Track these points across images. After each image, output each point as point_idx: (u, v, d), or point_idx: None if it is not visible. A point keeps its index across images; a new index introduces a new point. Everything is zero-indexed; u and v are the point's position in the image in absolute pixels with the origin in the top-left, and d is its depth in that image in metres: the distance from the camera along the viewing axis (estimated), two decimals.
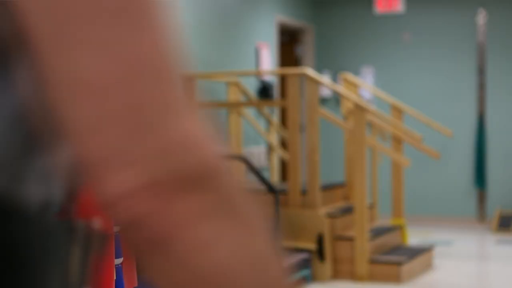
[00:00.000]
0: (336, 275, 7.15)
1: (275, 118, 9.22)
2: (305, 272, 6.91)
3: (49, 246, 0.67)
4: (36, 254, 0.66)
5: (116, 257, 2.36)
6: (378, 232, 7.49)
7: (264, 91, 9.34)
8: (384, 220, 9.18)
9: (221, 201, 0.63)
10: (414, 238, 9.44)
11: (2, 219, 0.64)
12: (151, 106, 0.60)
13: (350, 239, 7.12)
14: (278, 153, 8.66)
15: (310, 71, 7.17)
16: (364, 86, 8.60)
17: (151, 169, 0.60)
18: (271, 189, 6.31)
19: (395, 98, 11.20)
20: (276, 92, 9.73)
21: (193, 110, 0.62)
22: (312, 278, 7.02)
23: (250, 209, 0.65)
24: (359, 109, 6.99)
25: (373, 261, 7.06)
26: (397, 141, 8.22)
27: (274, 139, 8.72)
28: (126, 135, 0.59)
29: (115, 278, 2.34)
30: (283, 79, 10.35)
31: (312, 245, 7.03)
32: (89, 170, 0.61)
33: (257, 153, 9.12)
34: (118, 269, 2.38)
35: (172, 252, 0.62)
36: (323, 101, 11.43)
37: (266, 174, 8.57)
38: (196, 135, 0.61)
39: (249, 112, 8.66)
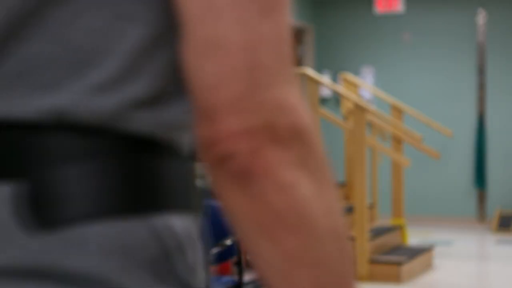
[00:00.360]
0: None
1: None
2: None
3: (192, 187, 0.85)
4: (183, 190, 0.83)
5: None
6: (378, 232, 7.49)
7: None
8: (384, 220, 9.20)
9: (307, 155, 0.76)
10: (414, 238, 9.45)
11: (170, 155, 0.82)
12: (267, 71, 0.75)
13: (350, 239, 7.10)
14: None
15: (310, 71, 7.17)
16: (364, 86, 8.60)
17: (257, 118, 0.75)
18: None
19: (395, 98, 11.21)
20: None
21: (296, 83, 0.78)
22: None
23: (327, 167, 0.79)
24: (359, 109, 6.99)
25: (373, 261, 7.06)
26: (397, 141, 8.22)
27: None
28: (242, 89, 0.75)
29: None
30: None
31: None
32: (205, 115, 0.76)
33: None
34: None
35: (255, 189, 0.75)
36: (323, 101, 11.43)
37: None
38: (296, 100, 0.76)
39: None
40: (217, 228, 3.87)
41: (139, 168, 0.79)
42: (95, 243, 0.76)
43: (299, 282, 0.77)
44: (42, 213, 0.76)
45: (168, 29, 0.80)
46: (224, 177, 0.76)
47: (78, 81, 0.77)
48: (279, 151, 0.75)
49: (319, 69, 11.53)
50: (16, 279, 0.75)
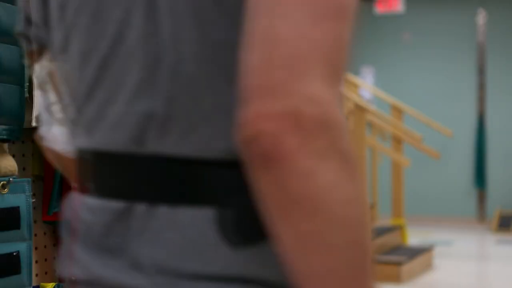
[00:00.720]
0: None
1: None
2: None
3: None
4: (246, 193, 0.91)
5: None
6: (378, 232, 7.49)
7: None
8: (384, 220, 9.20)
9: (331, 147, 0.81)
10: (414, 238, 9.45)
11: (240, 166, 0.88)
12: (306, 66, 0.81)
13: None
14: None
15: None
16: (364, 86, 8.60)
17: (286, 105, 0.80)
18: None
19: (395, 98, 11.21)
20: None
21: (338, 86, 0.84)
22: None
23: (352, 161, 0.82)
24: (359, 109, 6.99)
25: (373, 261, 7.04)
26: (397, 141, 8.23)
27: None
28: (278, 78, 0.80)
29: None
30: None
31: None
32: (243, 98, 0.82)
33: None
34: None
35: (275, 172, 0.80)
36: None
37: None
38: (329, 97, 0.82)
39: None
40: None
41: None
42: (274, 257, 0.89)
43: (313, 264, 0.83)
44: (242, 232, 0.91)
45: None
46: (250, 157, 0.83)
47: (234, 125, 0.89)
48: (302, 139, 0.80)
49: None
50: (224, 284, 0.91)
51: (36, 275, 2.39)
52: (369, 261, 0.86)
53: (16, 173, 2.21)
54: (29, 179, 2.23)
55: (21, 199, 2.21)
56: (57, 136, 1.15)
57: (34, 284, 2.29)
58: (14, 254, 2.17)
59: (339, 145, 0.81)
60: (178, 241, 0.92)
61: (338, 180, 0.81)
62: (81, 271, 0.99)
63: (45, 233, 2.43)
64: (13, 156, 2.30)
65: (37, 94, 1.16)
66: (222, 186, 0.92)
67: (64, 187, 2.37)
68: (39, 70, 1.14)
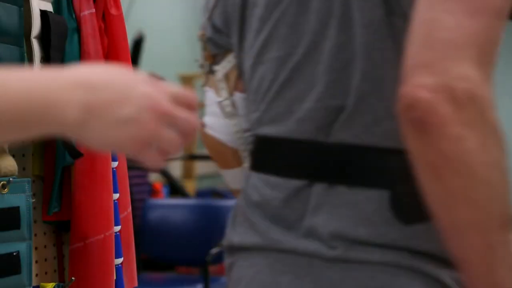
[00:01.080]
0: None
1: None
2: None
3: None
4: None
5: (116, 257, 2.36)
6: None
7: None
8: None
9: (478, 117, 0.97)
10: None
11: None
12: (459, 50, 0.97)
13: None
14: None
15: None
16: None
17: (440, 79, 0.96)
18: None
19: None
20: None
21: (488, 70, 1.04)
22: None
23: (497, 131, 1.01)
24: None
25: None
26: None
27: None
28: (435, 57, 0.97)
29: (115, 278, 2.34)
30: None
31: None
32: (404, 75, 0.98)
33: None
34: (118, 269, 2.38)
35: (429, 137, 0.96)
36: None
37: None
38: (478, 76, 0.98)
39: None
40: (217, 228, 3.87)
41: None
42: (433, 233, 1.05)
43: (457, 216, 0.98)
44: (411, 212, 1.08)
45: None
46: (406, 123, 0.99)
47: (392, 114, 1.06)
48: (453, 109, 0.96)
49: None
50: (392, 252, 1.09)
51: (36, 275, 2.38)
52: (505, 214, 0.99)
53: (16, 173, 2.20)
54: (29, 179, 2.22)
55: (21, 199, 2.21)
56: (222, 127, 1.33)
57: (34, 284, 2.29)
58: (14, 254, 2.17)
59: (485, 117, 0.99)
60: (354, 216, 1.10)
61: (483, 146, 0.97)
62: (258, 237, 1.16)
63: (45, 233, 2.43)
64: (13, 156, 2.29)
65: (208, 90, 1.35)
66: (395, 172, 1.09)
67: (64, 187, 2.37)
68: (219, 71, 1.32)
